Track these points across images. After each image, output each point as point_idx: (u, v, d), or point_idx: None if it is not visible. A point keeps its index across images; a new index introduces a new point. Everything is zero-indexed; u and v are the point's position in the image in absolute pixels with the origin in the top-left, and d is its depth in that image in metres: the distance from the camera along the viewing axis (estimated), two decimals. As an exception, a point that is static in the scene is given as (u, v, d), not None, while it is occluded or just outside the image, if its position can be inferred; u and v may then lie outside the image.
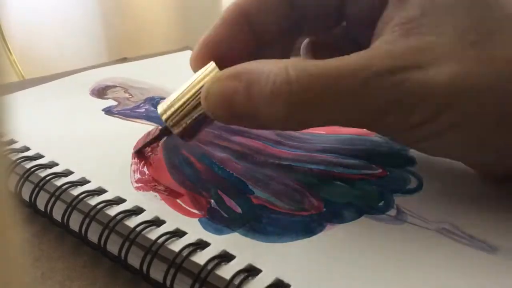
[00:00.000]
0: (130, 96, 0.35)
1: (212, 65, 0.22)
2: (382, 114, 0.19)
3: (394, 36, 0.20)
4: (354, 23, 0.25)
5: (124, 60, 0.48)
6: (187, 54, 0.46)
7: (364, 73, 0.19)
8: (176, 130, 0.23)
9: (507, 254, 0.18)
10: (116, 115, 0.31)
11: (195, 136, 0.24)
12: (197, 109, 0.22)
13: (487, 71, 0.18)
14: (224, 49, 0.24)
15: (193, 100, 0.22)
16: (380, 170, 0.25)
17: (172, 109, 0.23)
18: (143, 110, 0.32)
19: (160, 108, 0.23)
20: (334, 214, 0.21)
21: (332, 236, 0.19)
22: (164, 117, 0.23)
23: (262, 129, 0.25)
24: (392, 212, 0.21)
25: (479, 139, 0.19)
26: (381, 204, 0.22)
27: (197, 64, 0.24)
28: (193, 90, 0.22)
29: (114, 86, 0.37)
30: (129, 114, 0.32)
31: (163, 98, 0.34)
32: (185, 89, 0.22)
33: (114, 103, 0.33)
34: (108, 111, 0.32)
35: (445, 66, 0.18)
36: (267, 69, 0.20)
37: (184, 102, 0.22)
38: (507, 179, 0.22)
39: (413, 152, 0.26)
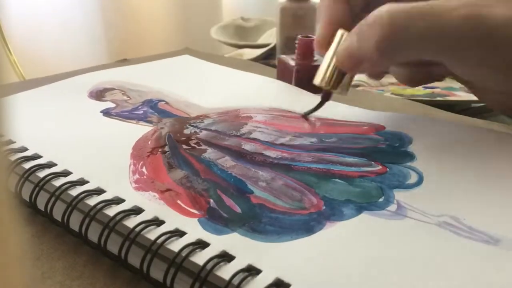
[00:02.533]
0: (128, 99, 0.35)
1: (340, 32, 0.29)
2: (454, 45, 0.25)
3: None
4: None
5: (124, 61, 0.48)
6: (185, 59, 0.47)
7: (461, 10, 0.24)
8: (334, 91, 0.30)
9: (509, 246, 0.18)
10: (114, 117, 0.31)
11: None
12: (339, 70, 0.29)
13: None
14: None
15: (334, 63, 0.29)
16: (380, 167, 0.25)
17: (325, 76, 0.29)
18: (141, 112, 0.32)
19: (317, 81, 0.30)
20: (333, 212, 0.21)
21: (332, 234, 0.19)
22: (323, 85, 0.30)
23: (375, 68, 0.31)
24: (392, 207, 0.21)
25: None
26: (381, 200, 0.22)
27: (322, 42, 0.31)
28: (332, 55, 0.29)
29: (112, 89, 0.37)
30: (127, 116, 0.32)
31: (162, 101, 0.34)
32: (327, 59, 0.30)
33: (112, 105, 0.33)
34: (106, 112, 0.32)
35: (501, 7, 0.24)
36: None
37: (330, 68, 0.29)
38: None
39: (412, 147, 0.27)
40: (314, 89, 0.38)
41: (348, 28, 0.29)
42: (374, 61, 0.27)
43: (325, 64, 0.29)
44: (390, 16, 0.25)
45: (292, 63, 0.39)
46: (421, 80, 0.32)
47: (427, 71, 0.30)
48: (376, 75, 0.35)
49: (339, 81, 0.29)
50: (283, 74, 0.40)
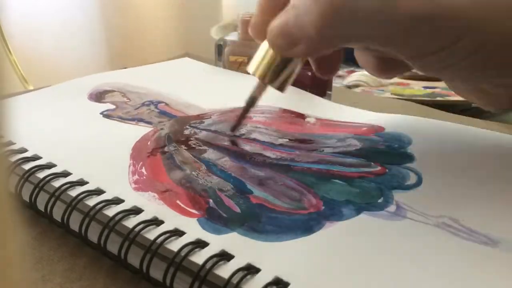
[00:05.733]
0: (128, 100, 0.35)
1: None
2: (409, 32, 0.21)
3: None
4: None
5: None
6: (184, 61, 0.47)
7: None
8: (271, 84, 0.26)
9: (509, 247, 0.18)
10: (114, 118, 0.31)
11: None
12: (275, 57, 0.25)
13: None
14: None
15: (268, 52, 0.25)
16: (379, 168, 0.25)
17: (261, 65, 0.25)
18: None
19: (251, 69, 0.26)
20: (333, 212, 0.21)
21: (331, 233, 0.20)
22: (257, 75, 0.26)
23: (312, 50, 0.25)
24: (392, 208, 0.21)
25: (501, 58, 0.21)
26: (380, 200, 0.22)
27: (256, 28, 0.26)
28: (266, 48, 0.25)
29: (112, 91, 0.37)
30: (126, 117, 0.32)
31: (161, 102, 0.34)
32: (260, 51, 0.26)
33: (112, 106, 0.34)
34: (106, 114, 0.32)
35: None
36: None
37: (268, 55, 0.25)
38: None
39: (412, 148, 0.27)
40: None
41: None
42: (312, 42, 0.22)
43: (263, 51, 0.25)
44: None
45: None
46: (389, 71, 0.28)
47: (393, 61, 0.27)
48: (323, 67, 0.28)
49: (278, 73, 0.25)
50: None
